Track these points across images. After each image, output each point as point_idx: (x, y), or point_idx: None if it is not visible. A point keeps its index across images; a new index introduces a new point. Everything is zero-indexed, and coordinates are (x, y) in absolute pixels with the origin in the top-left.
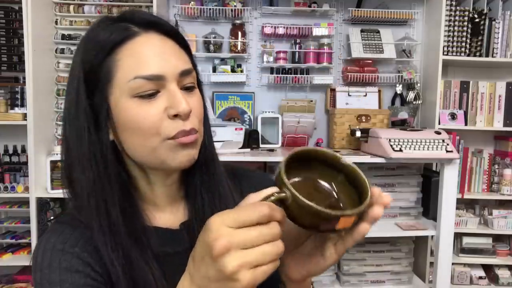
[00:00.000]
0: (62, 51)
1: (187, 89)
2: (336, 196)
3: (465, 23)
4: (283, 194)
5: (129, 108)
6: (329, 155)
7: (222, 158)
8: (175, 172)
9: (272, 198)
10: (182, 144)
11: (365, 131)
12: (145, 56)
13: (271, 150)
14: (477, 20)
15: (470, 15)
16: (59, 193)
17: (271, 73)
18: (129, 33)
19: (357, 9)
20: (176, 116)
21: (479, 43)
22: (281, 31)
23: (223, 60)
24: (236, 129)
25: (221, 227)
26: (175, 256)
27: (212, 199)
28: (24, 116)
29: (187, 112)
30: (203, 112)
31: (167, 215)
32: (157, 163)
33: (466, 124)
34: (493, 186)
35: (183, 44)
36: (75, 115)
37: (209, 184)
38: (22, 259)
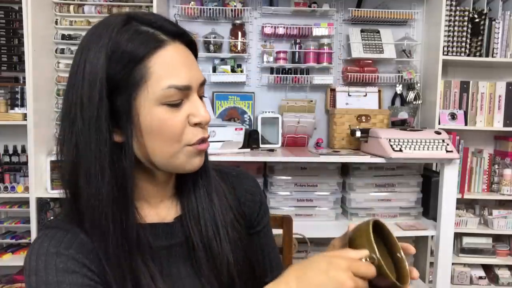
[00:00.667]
0: (62, 51)
1: (200, 98)
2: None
3: (465, 23)
4: (375, 260)
5: (157, 114)
6: (391, 238)
7: (222, 158)
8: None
9: (365, 260)
10: (198, 150)
11: (365, 131)
12: (176, 66)
13: (271, 150)
14: (477, 20)
15: (470, 15)
16: (59, 193)
17: (271, 73)
18: (160, 42)
19: (357, 9)
20: (196, 124)
21: (479, 43)
22: (281, 31)
23: (223, 60)
24: (236, 129)
25: (348, 271)
26: (169, 248)
27: (207, 194)
28: (24, 116)
29: (208, 121)
30: None
31: (158, 211)
32: (173, 167)
33: (466, 124)
34: (493, 186)
35: (196, 54)
36: (95, 116)
37: (203, 181)
38: (22, 259)
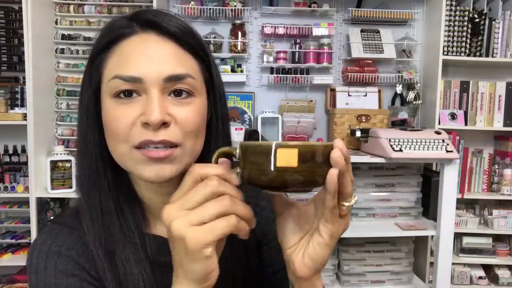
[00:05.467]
0: (62, 51)
1: (179, 96)
2: None
3: (465, 23)
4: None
5: (106, 107)
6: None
7: None
8: (167, 182)
9: (214, 156)
10: (149, 158)
11: (365, 131)
12: (129, 56)
13: None
14: (477, 20)
15: (470, 15)
16: (59, 193)
17: (271, 73)
18: (125, 32)
19: (357, 9)
20: (146, 124)
21: (479, 43)
22: (281, 31)
23: (223, 60)
24: (236, 129)
25: (182, 211)
26: (170, 265)
27: None
28: (24, 116)
29: (156, 123)
30: (200, 124)
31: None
32: (132, 173)
33: (466, 124)
34: (493, 186)
35: (189, 47)
36: (85, 114)
37: None
38: (22, 259)
